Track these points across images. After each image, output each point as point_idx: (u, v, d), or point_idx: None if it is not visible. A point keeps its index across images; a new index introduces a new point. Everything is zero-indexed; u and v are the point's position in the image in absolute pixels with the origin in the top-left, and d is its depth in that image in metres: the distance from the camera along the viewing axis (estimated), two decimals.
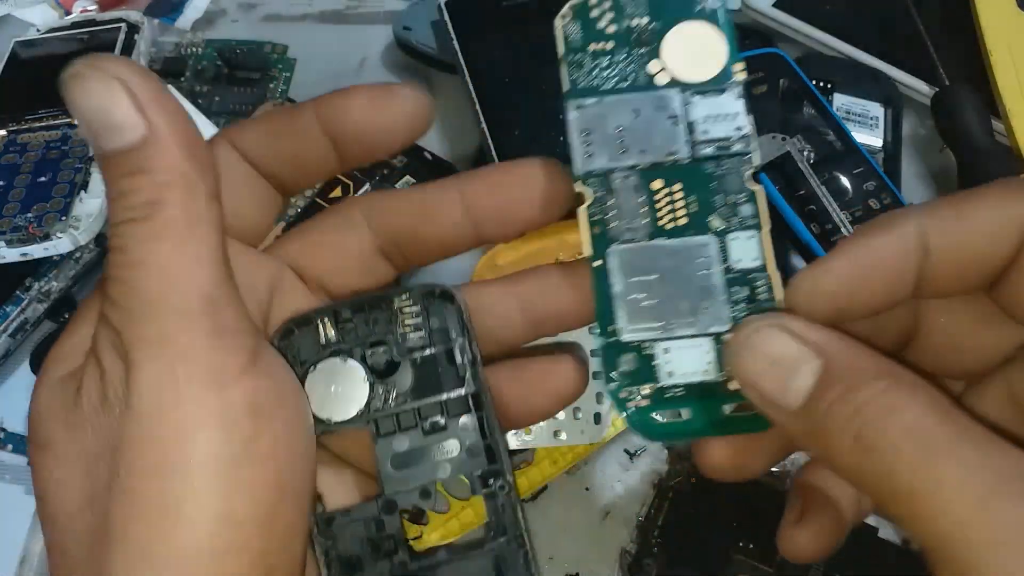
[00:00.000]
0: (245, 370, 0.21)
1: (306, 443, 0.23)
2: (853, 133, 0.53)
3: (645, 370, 0.25)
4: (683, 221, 0.25)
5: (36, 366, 0.47)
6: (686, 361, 0.24)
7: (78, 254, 0.51)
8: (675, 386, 0.25)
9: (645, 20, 0.25)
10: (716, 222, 0.25)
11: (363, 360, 0.25)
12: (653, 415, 0.25)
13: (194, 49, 0.62)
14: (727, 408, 0.24)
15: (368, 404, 0.25)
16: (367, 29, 0.65)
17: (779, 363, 0.22)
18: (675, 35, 0.25)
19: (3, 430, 0.49)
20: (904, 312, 0.25)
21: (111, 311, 0.21)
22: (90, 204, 0.51)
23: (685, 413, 0.25)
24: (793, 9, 0.60)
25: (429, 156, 0.54)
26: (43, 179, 0.52)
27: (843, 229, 0.49)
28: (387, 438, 0.25)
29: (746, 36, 0.59)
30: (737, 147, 0.25)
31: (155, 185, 0.20)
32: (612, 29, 0.25)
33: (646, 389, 0.25)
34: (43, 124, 0.55)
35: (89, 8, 0.64)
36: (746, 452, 0.25)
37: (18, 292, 0.50)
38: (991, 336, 0.25)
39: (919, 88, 0.57)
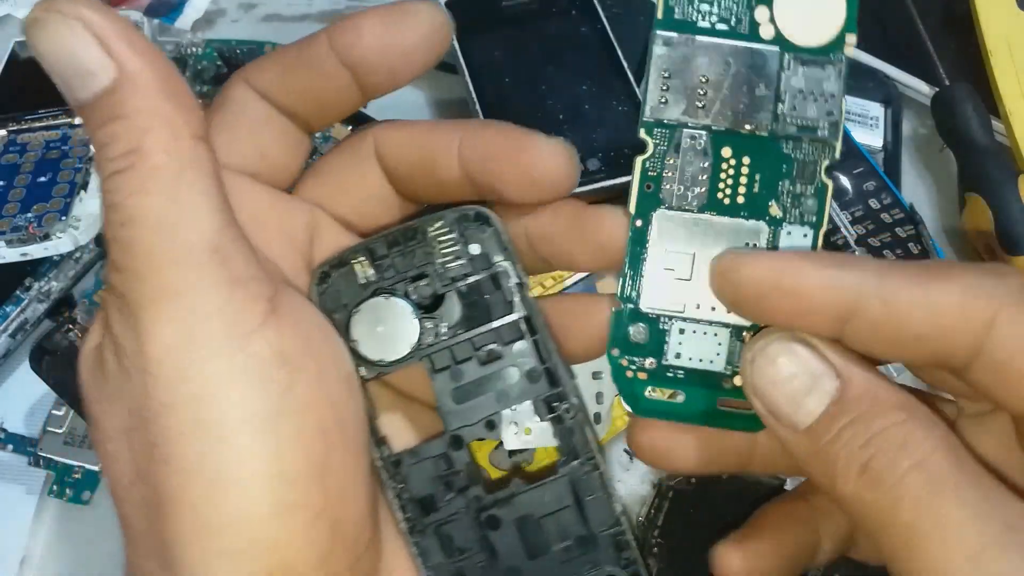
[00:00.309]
0: (266, 320, 0.20)
1: (347, 388, 0.22)
2: (853, 133, 0.53)
3: (653, 344, 0.24)
4: (740, 200, 0.23)
5: (36, 366, 0.47)
6: (697, 346, 0.24)
7: (78, 254, 0.51)
8: (678, 367, 0.24)
9: None
10: (775, 209, 0.23)
11: (406, 296, 0.24)
12: (648, 390, 0.24)
13: (194, 49, 0.62)
14: (723, 402, 0.24)
15: (419, 340, 0.24)
16: None
17: (795, 378, 0.21)
18: None
19: (3, 430, 0.48)
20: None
21: (115, 276, 0.20)
22: (90, 204, 0.51)
23: (680, 396, 0.24)
24: None
25: None
26: (43, 179, 0.52)
27: (843, 230, 0.49)
28: (443, 372, 0.24)
29: None
30: (823, 133, 0.23)
31: (134, 130, 0.19)
32: None
33: (648, 363, 0.24)
34: (43, 124, 0.55)
35: None
36: (680, 446, 0.25)
37: (18, 292, 0.50)
38: None
39: (919, 88, 0.57)
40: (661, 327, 0.24)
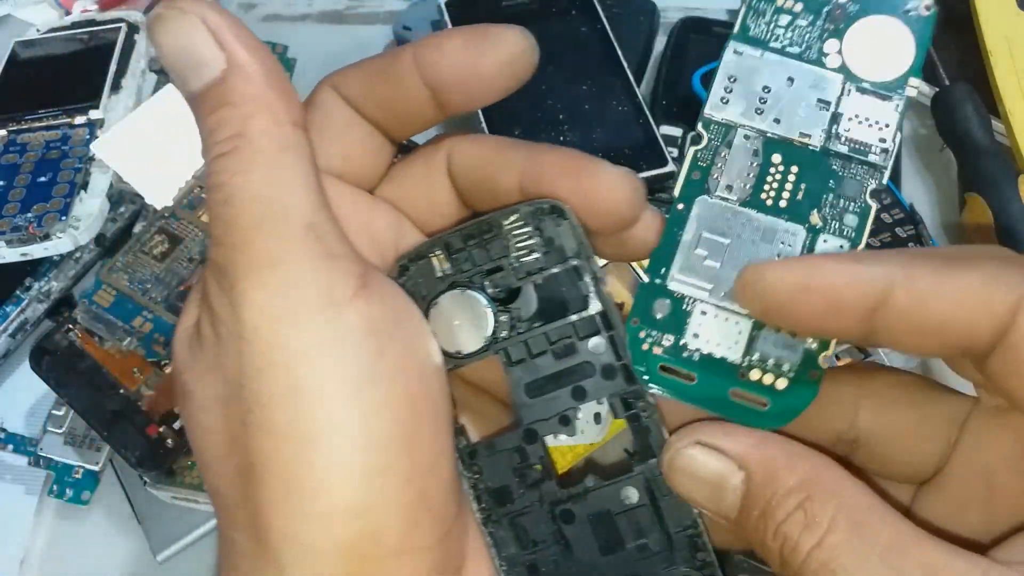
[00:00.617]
0: (357, 293, 0.21)
1: (433, 363, 0.23)
2: None
3: (674, 322, 0.24)
4: (783, 203, 0.24)
5: (36, 366, 0.47)
6: (717, 331, 0.24)
7: (78, 254, 0.51)
8: (695, 349, 0.24)
9: None
10: (815, 218, 0.24)
11: (482, 289, 0.24)
12: (660, 365, 0.24)
13: None
14: (735, 392, 0.24)
15: (495, 333, 0.24)
16: (367, 29, 0.65)
17: (705, 480, 0.22)
18: (866, 24, 0.24)
19: (3, 430, 0.49)
20: (841, 414, 0.25)
21: (215, 251, 0.21)
22: (90, 204, 0.51)
23: (692, 377, 0.24)
24: None
25: None
26: (43, 179, 0.52)
27: None
28: (518, 366, 0.24)
29: None
30: (873, 158, 0.24)
31: (240, 116, 0.21)
32: None
33: (667, 340, 0.24)
34: (43, 124, 0.55)
35: (89, 8, 0.64)
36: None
37: (18, 292, 0.50)
38: (929, 438, 0.24)
39: (919, 88, 0.57)
40: (684, 307, 0.24)
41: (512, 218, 0.24)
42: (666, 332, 0.24)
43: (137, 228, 0.52)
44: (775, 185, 0.24)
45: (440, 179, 0.25)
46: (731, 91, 0.25)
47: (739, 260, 0.24)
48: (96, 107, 0.55)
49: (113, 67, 0.57)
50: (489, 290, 0.24)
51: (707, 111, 0.25)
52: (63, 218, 0.49)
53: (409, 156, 0.26)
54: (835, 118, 0.24)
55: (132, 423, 0.43)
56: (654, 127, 0.50)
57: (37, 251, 0.49)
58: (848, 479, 0.21)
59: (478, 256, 0.24)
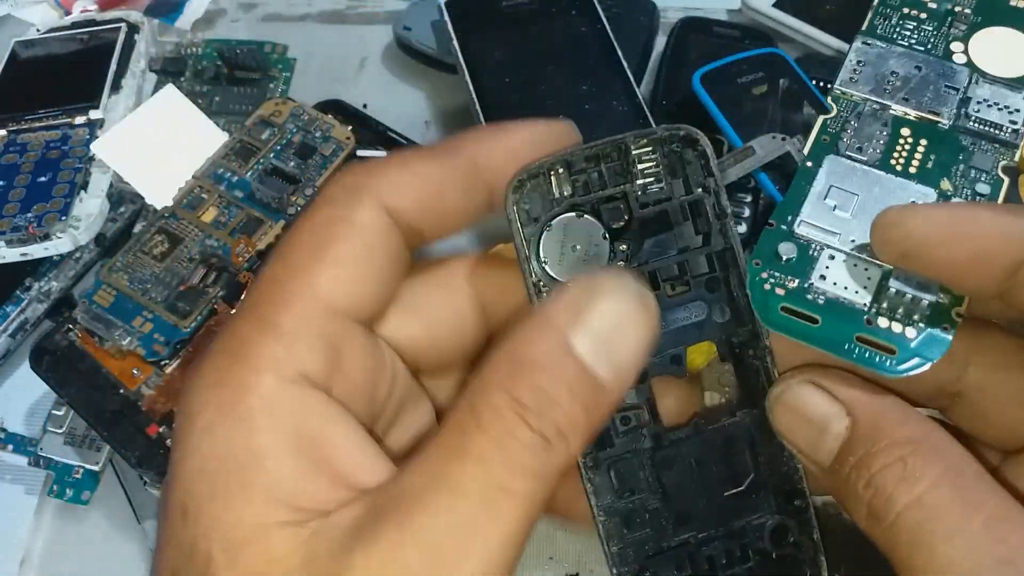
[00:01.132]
0: None
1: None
2: None
3: (800, 265, 0.24)
4: (912, 170, 0.25)
5: (36, 366, 0.47)
6: (845, 275, 0.24)
7: (78, 254, 0.51)
8: (820, 292, 0.24)
9: (968, 11, 0.26)
10: (946, 184, 0.24)
11: (599, 215, 0.23)
12: (782, 306, 0.23)
13: (194, 49, 0.62)
14: (861, 337, 0.23)
15: (609, 262, 0.23)
16: (367, 29, 0.65)
17: (810, 420, 0.22)
18: (990, 34, 0.26)
19: (3, 430, 0.49)
20: (949, 366, 0.24)
21: None
22: (90, 204, 0.51)
23: (816, 320, 0.23)
24: (793, 9, 0.59)
25: None
26: (43, 179, 0.52)
27: None
28: None
29: (746, 36, 0.59)
30: (1005, 136, 0.25)
31: None
32: (933, 5, 0.27)
33: (791, 282, 0.24)
34: (43, 124, 0.55)
35: (89, 8, 0.64)
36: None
37: (18, 292, 0.50)
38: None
39: None
40: (811, 252, 0.24)
41: (643, 142, 0.23)
42: (790, 274, 0.24)
43: (137, 228, 0.52)
44: (904, 154, 0.25)
45: (463, 301, 0.24)
46: (860, 73, 0.26)
47: (870, 213, 0.23)
48: (96, 107, 0.55)
49: (113, 67, 0.57)
50: (605, 216, 0.23)
51: (838, 86, 0.26)
52: (63, 218, 0.49)
53: (416, 281, 0.24)
54: (964, 102, 0.25)
55: (132, 423, 0.43)
56: (654, 127, 0.50)
57: (37, 251, 0.49)
58: (957, 446, 0.21)
59: (599, 179, 0.23)
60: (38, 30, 0.62)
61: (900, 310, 0.23)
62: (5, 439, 0.48)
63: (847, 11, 0.61)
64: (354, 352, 0.22)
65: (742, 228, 0.49)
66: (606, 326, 0.20)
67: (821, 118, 0.26)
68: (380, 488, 0.20)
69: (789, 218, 0.24)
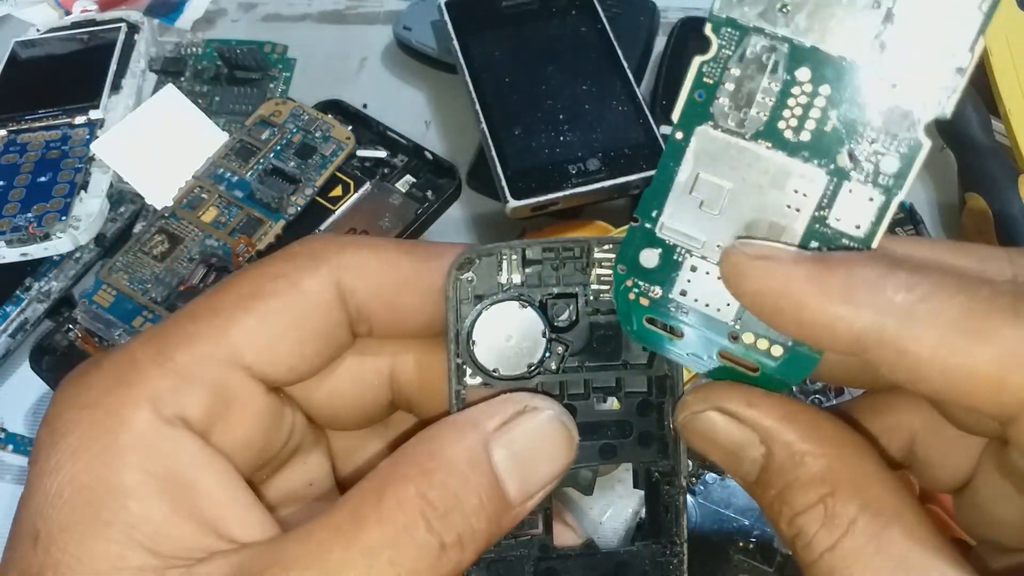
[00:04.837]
0: None
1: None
2: None
3: (662, 274, 0.21)
4: (804, 136, 0.19)
5: (36, 366, 0.47)
6: (708, 289, 0.21)
7: (78, 254, 0.51)
8: (683, 306, 0.21)
9: None
10: (844, 159, 0.19)
11: (544, 309, 0.22)
12: (646, 318, 0.22)
13: (194, 49, 0.62)
14: (724, 354, 0.22)
15: (541, 361, 0.22)
16: (367, 29, 0.65)
17: (722, 448, 0.21)
18: None
19: (3, 430, 0.48)
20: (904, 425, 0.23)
21: None
22: (90, 204, 0.51)
23: (679, 334, 0.22)
24: None
25: (430, 156, 0.54)
26: (43, 179, 0.52)
27: None
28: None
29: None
30: (937, 80, 0.18)
31: None
32: None
33: (654, 292, 0.22)
34: (43, 124, 0.55)
35: (89, 8, 0.64)
36: None
37: (18, 292, 0.50)
38: (959, 452, 0.23)
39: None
40: (675, 258, 0.21)
41: (606, 247, 0.22)
42: (654, 283, 0.22)
43: (137, 228, 0.52)
44: (798, 111, 0.19)
45: (371, 372, 0.24)
46: None
47: (741, 209, 0.20)
48: (96, 107, 0.55)
49: (113, 67, 0.57)
50: (548, 313, 0.22)
51: (716, 9, 0.19)
52: (63, 218, 0.49)
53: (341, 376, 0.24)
54: (888, 16, 0.18)
55: None
56: (654, 127, 0.50)
57: (37, 251, 0.49)
58: (877, 472, 0.20)
59: (551, 274, 0.22)
60: (38, 30, 0.62)
61: (765, 327, 0.21)
62: (5, 439, 0.48)
63: None
64: (245, 407, 0.21)
65: None
66: (526, 446, 0.20)
67: (697, 61, 0.20)
68: (256, 548, 0.19)
69: (654, 214, 0.21)
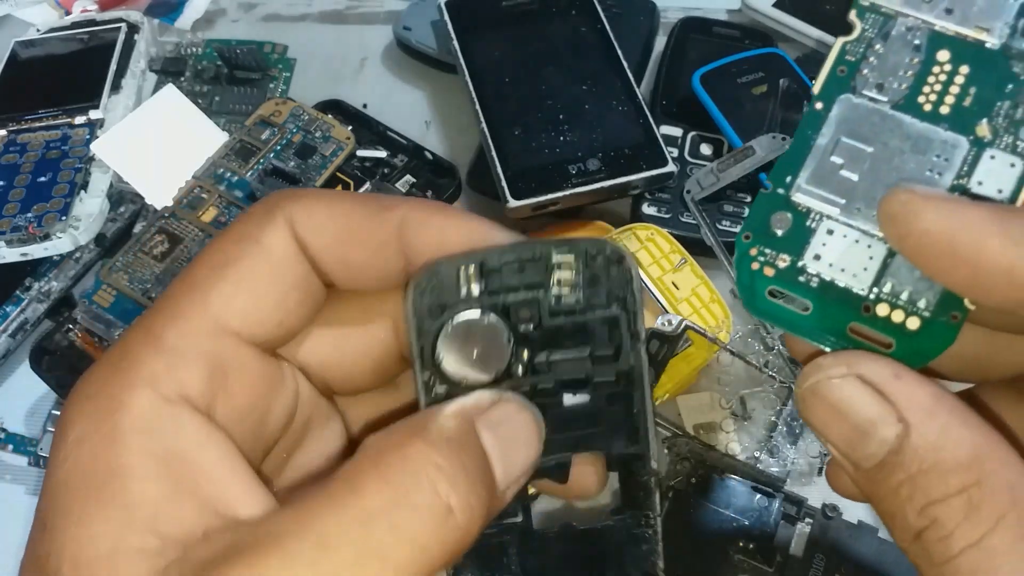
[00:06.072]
0: None
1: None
2: None
3: (793, 240, 0.21)
4: (944, 110, 0.20)
5: (36, 366, 0.47)
6: (844, 255, 0.20)
7: (78, 254, 0.51)
8: (814, 274, 0.21)
9: None
10: (983, 129, 0.20)
11: (506, 315, 0.22)
12: (769, 290, 0.21)
13: (194, 49, 0.62)
14: (855, 328, 0.21)
15: (507, 367, 0.22)
16: (367, 29, 0.65)
17: (851, 421, 0.19)
18: None
19: (3, 430, 0.48)
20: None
21: None
22: (90, 204, 0.51)
23: (807, 307, 0.21)
24: (793, 9, 0.59)
25: (430, 156, 0.54)
26: (43, 179, 0.52)
27: None
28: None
29: (746, 36, 0.59)
30: None
31: None
32: None
33: (782, 261, 0.21)
34: (43, 124, 0.55)
35: (89, 8, 0.64)
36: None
37: (18, 292, 0.50)
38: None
39: None
40: (808, 224, 0.21)
41: (563, 250, 0.22)
42: (782, 251, 0.21)
43: (137, 228, 0.52)
44: (938, 88, 0.20)
45: (377, 324, 0.23)
46: None
47: (882, 173, 0.20)
48: (96, 107, 0.55)
49: (113, 67, 0.57)
50: (512, 319, 0.22)
51: None
52: (63, 218, 0.49)
53: (338, 299, 0.23)
54: (1022, 11, 0.20)
55: None
56: (654, 127, 0.50)
57: (37, 251, 0.49)
58: (1020, 463, 0.18)
59: (513, 282, 0.22)
60: (38, 30, 0.62)
61: (904, 295, 0.20)
62: (5, 439, 0.48)
63: (847, 11, 0.60)
64: (243, 375, 0.21)
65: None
66: (507, 429, 0.20)
67: (840, 41, 0.21)
68: (252, 523, 0.19)
69: (788, 179, 0.21)
